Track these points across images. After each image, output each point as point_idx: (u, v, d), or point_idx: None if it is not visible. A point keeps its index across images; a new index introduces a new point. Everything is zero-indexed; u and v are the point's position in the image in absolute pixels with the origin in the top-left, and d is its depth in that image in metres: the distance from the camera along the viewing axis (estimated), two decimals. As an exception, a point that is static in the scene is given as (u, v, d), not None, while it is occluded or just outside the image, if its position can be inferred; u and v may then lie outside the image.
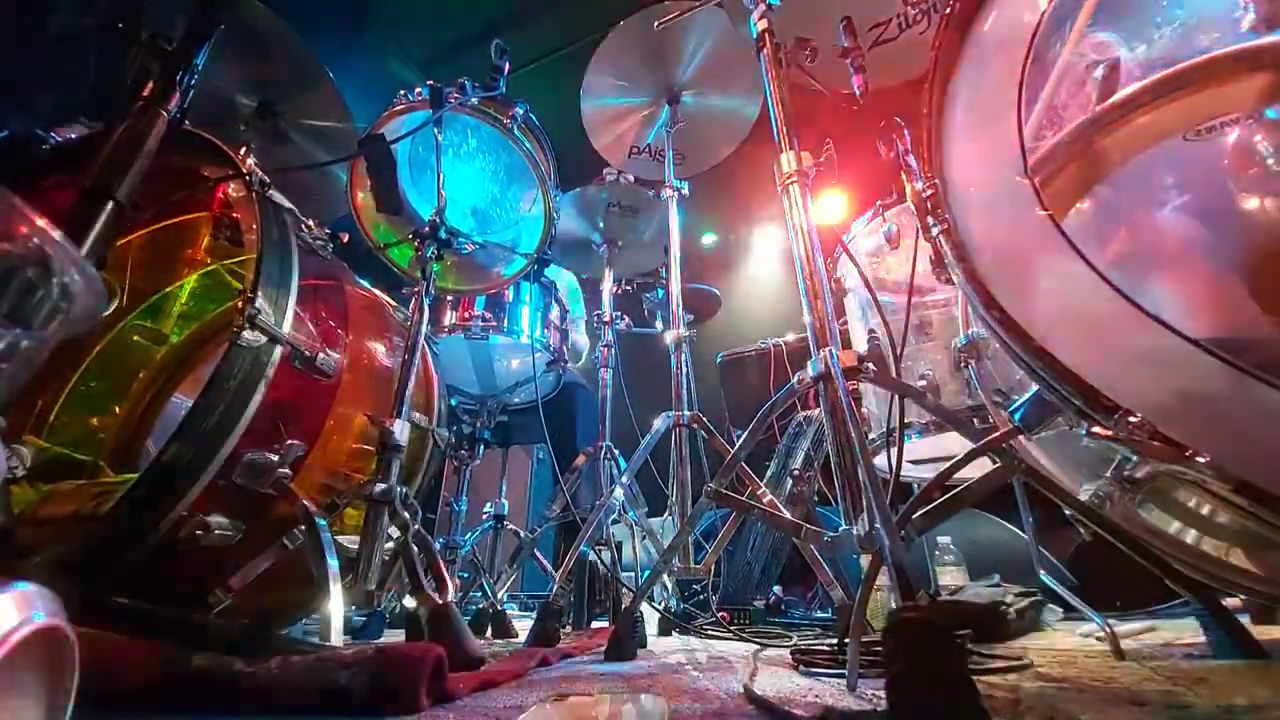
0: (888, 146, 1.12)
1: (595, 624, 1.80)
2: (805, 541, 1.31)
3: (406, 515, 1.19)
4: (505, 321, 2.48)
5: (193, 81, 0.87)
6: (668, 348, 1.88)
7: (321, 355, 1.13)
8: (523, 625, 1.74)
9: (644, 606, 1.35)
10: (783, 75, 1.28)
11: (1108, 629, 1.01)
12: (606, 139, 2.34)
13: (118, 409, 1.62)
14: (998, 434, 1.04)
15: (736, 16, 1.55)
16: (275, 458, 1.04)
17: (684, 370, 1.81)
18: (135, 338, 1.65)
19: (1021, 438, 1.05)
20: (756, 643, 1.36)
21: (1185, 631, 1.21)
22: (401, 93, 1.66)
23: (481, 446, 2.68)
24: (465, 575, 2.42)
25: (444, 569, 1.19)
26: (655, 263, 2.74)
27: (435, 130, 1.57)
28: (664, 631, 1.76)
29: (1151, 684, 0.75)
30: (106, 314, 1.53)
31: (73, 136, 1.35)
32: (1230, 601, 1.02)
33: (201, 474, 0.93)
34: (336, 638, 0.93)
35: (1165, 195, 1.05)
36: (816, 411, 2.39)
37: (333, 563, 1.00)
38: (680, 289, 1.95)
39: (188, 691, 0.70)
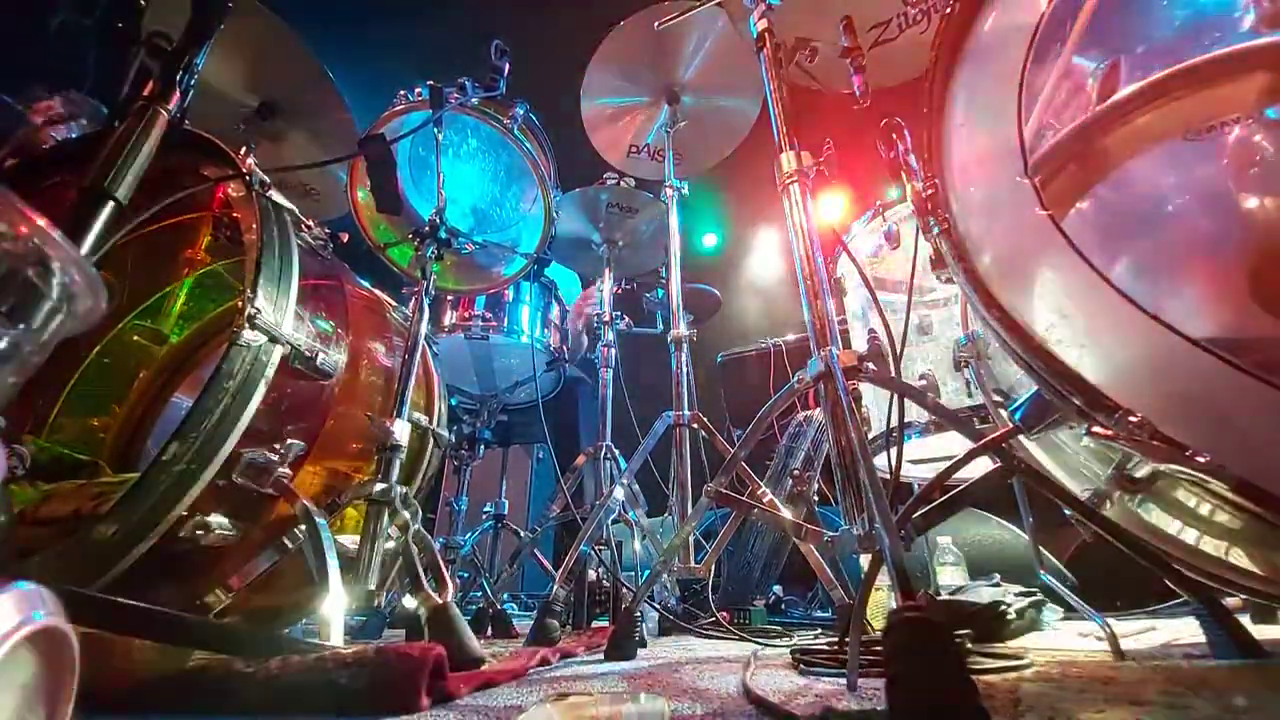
0: (888, 146, 1.12)
1: (595, 624, 1.80)
2: (805, 541, 1.31)
3: (406, 515, 1.19)
4: (505, 321, 2.48)
5: (193, 81, 0.87)
6: (668, 348, 1.88)
7: (321, 356, 1.13)
8: (523, 625, 1.74)
9: (644, 606, 1.35)
10: (783, 75, 1.28)
11: (1108, 629, 1.01)
12: (606, 139, 2.34)
13: (118, 409, 1.62)
14: (998, 434, 1.04)
15: (736, 16, 1.55)
16: (275, 458, 1.04)
17: (684, 370, 1.81)
18: (135, 338, 1.64)
19: (1021, 437, 1.05)
20: (756, 642, 1.36)
21: (1185, 631, 1.21)
22: (401, 93, 1.66)
23: (481, 446, 2.68)
24: (465, 575, 2.42)
25: (444, 569, 1.19)
26: (655, 263, 2.74)
27: (435, 130, 1.57)
28: (664, 631, 1.76)
29: (1151, 684, 0.75)
30: (106, 314, 1.53)
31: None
32: (1230, 601, 1.02)
33: (201, 474, 0.93)
34: (336, 638, 0.93)
35: (1165, 195, 1.05)
36: (816, 411, 2.39)
37: (333, 563, 1.00)
38: (680, 289, 1.95)
39: (187, 691, 0.70)
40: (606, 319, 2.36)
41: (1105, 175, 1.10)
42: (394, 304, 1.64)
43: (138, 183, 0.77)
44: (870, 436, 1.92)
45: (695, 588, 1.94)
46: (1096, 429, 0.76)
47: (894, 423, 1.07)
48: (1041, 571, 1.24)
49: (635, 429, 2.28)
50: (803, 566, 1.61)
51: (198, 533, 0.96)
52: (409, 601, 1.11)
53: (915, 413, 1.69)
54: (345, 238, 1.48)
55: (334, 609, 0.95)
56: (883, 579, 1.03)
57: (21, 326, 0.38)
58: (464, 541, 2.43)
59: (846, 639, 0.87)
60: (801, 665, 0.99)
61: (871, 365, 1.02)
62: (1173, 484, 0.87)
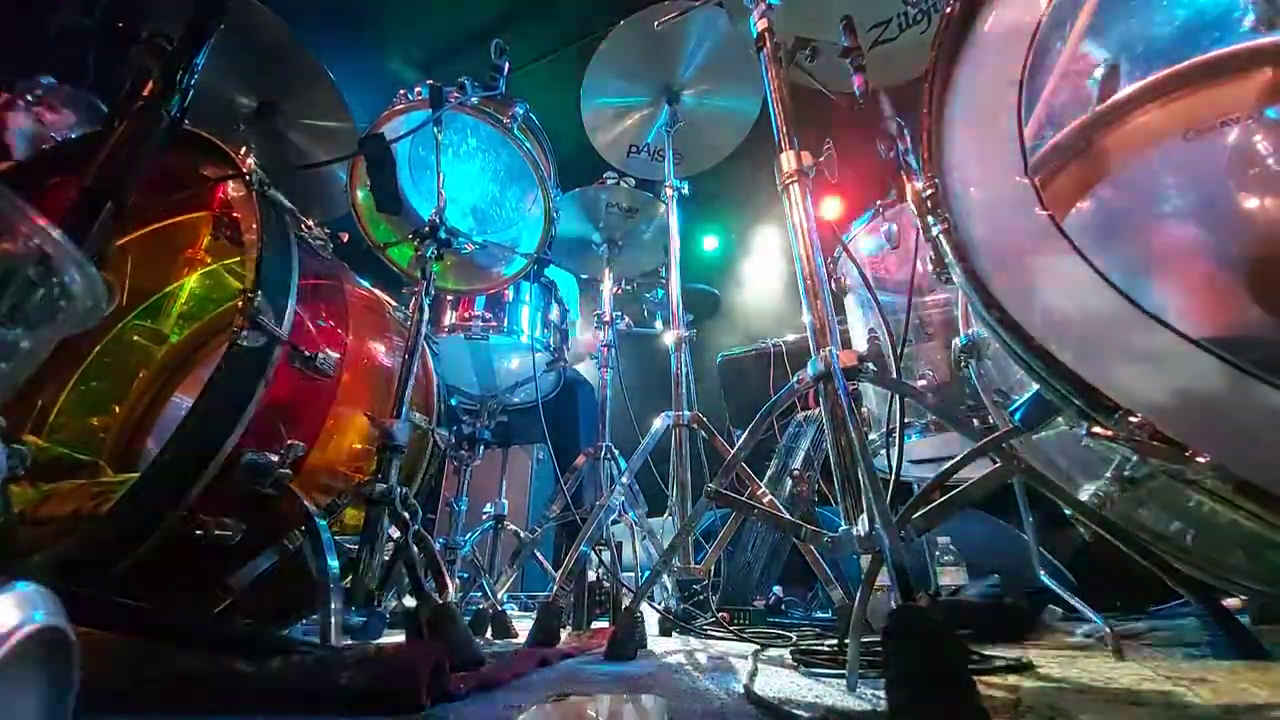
0: (888, 146, 1.12)
1: (595, 624, 1.80)
2: (805, 541, 1.31)
3: (406, 515, 1.19)
4: (505, 321, 2.48)
5: (193, 81, 0.87)
6: (668, 348, 1.88)
7: (321, 355, 1.13)
8: (523, 625, 1.74)
9: (644, 606, 1.35)
10: (783, 75, 1.28)
11: (1108, 629, 1.01)
12: (606, 138, 2.34)
13: (118, 409, 1.62)
14: (998, 434, 1.04)
15: (737, 16, 1.55)
16: (275, 458, 1.04)
17: (684, 370, 1.81)
18: (135, 338, 1.65)
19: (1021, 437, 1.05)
20: (756, 643, 1.36)
21: (1185, 632, 1.21)
22: (401, 92, 1.66)
23: (481, 446, 2.68)
24: (465, 575, 2.42)
25: (444, 569, 1.19)
26: (655, 263, 2.74)
27: (435, 130, 1.57)
28: (664, 631, 1.76)
29: (1151, 684, 0.75)
30: (106, 314, 1.53)
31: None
32: (1230, 601, 1.02)
33: (201, 474, 0.93)
34: (336, 638, 0.93)
35: (1165, 195, 1.05)
36: (816, 411, 2.39)
37: (333, 563, 1.00)
38: (680, 289, 1.95)
39: (188, 691, 0.70)
40: (607, 319, 2.36)
41: (1105, 175, 1.10)
42: (394, 304, 1.64)
43: (138, 183, 0.77)
44: (870, 437, 1.92)
45: (695, 588, 1.94)
46: (1096, 429, 0.76)
47: (894, 423, 1.07)
48: (1041, 571, 1.24)
49: (635, 429, 2.28)
50: (803, 566, 1.61)
51: (198, 532, 0.96)
52: (409, 601, 1.11)
53: (915, 413, 1.69)
54: (345, 238, 1.48)
55: (334, 609, 0.95)
56: (883, 579, 1.03)
57: (21, 326, 0.38)
58: (464, 541, 2.43)
59: (846, 639, 0.87)
60: (802, 665, 0.99)
61: (871, 365, 1.02)
62: (1173, 484, 0.87)
